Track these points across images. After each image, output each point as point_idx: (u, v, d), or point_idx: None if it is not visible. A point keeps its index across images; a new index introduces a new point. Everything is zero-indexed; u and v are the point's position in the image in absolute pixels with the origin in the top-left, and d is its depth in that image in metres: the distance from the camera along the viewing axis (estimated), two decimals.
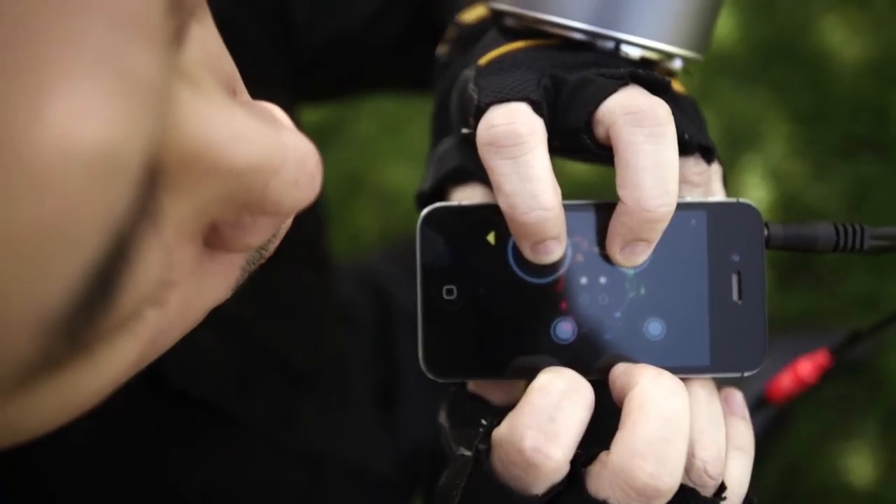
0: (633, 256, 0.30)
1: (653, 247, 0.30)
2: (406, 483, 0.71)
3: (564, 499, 0.28)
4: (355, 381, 0.65)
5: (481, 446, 0.29)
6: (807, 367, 0.38)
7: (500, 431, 0.28)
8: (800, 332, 1.10)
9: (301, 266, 0.55)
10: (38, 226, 0.14)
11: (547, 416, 0.27)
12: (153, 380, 0.42)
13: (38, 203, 0.14)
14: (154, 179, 0.17)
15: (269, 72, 0.51)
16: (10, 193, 0.14)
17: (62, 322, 0.16)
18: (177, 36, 0.18)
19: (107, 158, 0.15)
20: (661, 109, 0.28)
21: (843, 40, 1.28)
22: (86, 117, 0.15)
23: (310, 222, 0.55)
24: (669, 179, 0.28)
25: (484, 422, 0.30)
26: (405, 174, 1.25)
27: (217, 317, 0.26)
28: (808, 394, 1.11)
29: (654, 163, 0.28)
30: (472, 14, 0.38)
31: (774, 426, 1.08)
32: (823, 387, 1.11)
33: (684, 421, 0.27)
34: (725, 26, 1.28)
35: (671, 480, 0.26)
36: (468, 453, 0.29)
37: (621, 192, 0.28)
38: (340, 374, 0.62)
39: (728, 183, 0.34)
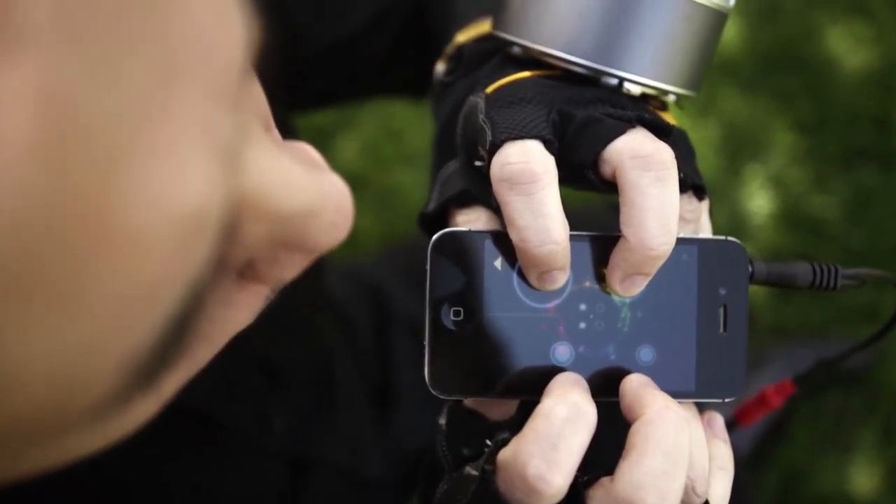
0: (632, 288, 0.32)
1: (649, 279, 0.32)
2: (400, 484, 0.70)
3: None
4: (347, 382, 0.65)
5: (487, 467, 0.30)
6: (772, 395, 0.41)
7: (506, 455, 0.29)
8: (798, 343, 1.10)
9: None
10: (134, 286, 0.15)
11: (550, 444, 0.28)
12: None
13: (136, 266, 0.15)
14: (227, 231, 0.18)
15: (266, 83, 0.51)
16: (111, 257, 0.15)
17: (142, 366, 0.17)
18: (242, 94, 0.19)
19: (198, 219, 0.16)
20: (666, 154, 0.30)
21: (845, 50, 1.28)
22: (184, 183, 0.15)
23: None
24: (671, 220, 0.30)
25: (489, 442, 0.31)
26: (406, 176, 1.25)
27: None
28: (806, 403, 1.11)
29: (659, 204, 0.29)
30: (470, 33, 0.39)
31: (771, 435, 1.07)
32: (822, 396, 1.11)
33: (686, 455, 0.29)
34: (729, 34, 1.28)
35: None
36: (475, 473, 0.30)
37: (626, 231, 0.30)
38: (330, 374, 0.62)
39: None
